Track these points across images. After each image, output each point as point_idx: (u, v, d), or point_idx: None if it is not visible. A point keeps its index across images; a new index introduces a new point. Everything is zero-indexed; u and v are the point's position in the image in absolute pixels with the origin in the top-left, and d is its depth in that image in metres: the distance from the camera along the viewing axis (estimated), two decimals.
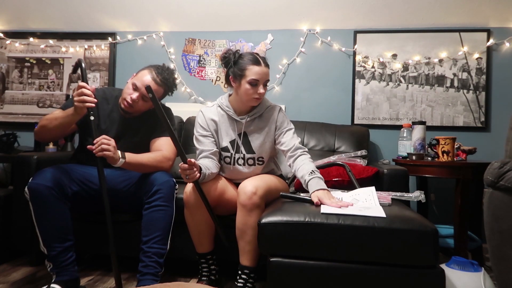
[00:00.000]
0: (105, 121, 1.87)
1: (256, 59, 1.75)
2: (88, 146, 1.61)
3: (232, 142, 1.84)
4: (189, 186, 1.69)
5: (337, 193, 1.71)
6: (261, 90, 1.74)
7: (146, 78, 1.78)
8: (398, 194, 1.69)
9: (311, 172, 1.68)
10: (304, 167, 1.72)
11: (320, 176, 1.68)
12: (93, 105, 1.63)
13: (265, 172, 1.92)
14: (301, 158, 1.78)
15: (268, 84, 1.81)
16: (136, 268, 1.65)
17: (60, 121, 1.69)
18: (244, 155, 1.84)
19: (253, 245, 1.64)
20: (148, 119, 1.89)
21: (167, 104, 3.04)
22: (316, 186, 1.62)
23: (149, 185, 1.69)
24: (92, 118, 1.65)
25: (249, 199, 1.62)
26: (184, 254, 1.92)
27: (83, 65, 1.71)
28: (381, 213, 1.41)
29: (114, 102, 1.89)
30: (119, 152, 1.64)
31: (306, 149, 1.83)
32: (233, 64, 1.77)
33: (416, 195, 1.65)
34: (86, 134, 1.87)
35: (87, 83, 1.66)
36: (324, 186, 1.63)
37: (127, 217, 1.91)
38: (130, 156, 1.68)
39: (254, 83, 1.73)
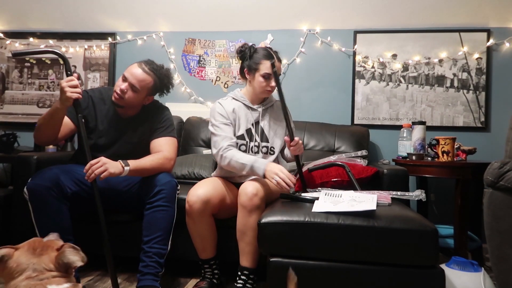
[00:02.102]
0: (103, 121, 1.86)
1: (269, 54, 1.86)
2: (86, 177, 1.57)
3: (248, 131, 1.91)
4: (193, 196, 1.69)
5: (338, 192, 1.71)
6: (273, 83, 1.84)
7: (135, 70, 1.78)
8: (399, 193, 1.69)
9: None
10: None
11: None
12: (81, 96, 1.62)
13: None
14: None
15: (280, 79, 1.89)
16: (137, 268, 1.65)
17: (49, 118, 1.69)
18: (258, 143, 1.91)
19: (253, 246, 1.64)
20: (146, 119, 1.89)
21: (167, 104, 3.05)
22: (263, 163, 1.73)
23: (151, 185, 1.69)
24: (79, 115, 1.64)
25: (249, 200, 1.62)
26: (184, 255, 1.92)
27: (66, 59, 1.69)
28: (372, 206, 1.40)
29: (111, 102, 1.88)
30: (120, 162, 1.63)
31: None
32: (248, 58, 1.88)
33: (417, 194, 1.65)
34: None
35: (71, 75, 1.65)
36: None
37: (127, 217, 1.91)
38: (134, 163, 1.66)
39: (266, 77, 1.84)
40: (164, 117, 1.91)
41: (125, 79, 1.78)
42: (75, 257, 1.12)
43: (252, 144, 1.90)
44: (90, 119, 1.84)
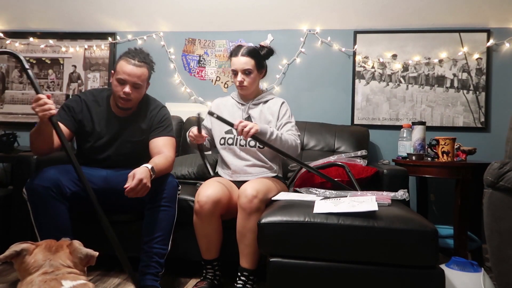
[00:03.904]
0: (99, 123, 1.85)
1: (234, 51, 1.94)
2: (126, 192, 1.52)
3: None
4: (203, 196, 1.69)
5: (338, 193, 1.71)
6: (239, 78, 1.91)
7: (129, 68, 1.75)
8: (385, 193, 1.70)
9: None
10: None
11: (270, 128, 1.79)
12: (54, 112, 1.55)
13: (267, 170, 1.96)
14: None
15: (249, 73, 1.91)
16: (137, 268, 1.65)
17: (37, 134, 1.65)
18: None
19: (252, 248, 1.64)
20: (144, 117, 1.89)
21: (167, 104, 3.04)
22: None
23: (152, 185, 1.68)
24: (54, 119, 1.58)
25: (249, 202, 1.63)
26: (185, 255, 1.92)
27: (30, 73, 1.58)
28: (373, 206, 1.40)
29: (106, 102, 1.87)
30: (147, 168, 1.57)
31: (297, 138, 1.93)
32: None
33: (401, 194, 1.68)
34: (83, 139, 1.86)
35: (39, 92, 1.56)
36: (261, 126, 1.75)
37: (128, 217, 1.91)
38: (156, 168, 1.63)
39: (234, 73, 1.94)
40: (163, 116, 1.91)
41: (123, 82, 1.75)
42: (88, 249, 1.18)
43: (239, 137, 1.94)
44: (86, 123, 1.83)
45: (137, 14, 2.90)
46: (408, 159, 2.29)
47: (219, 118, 1.78)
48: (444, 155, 2.15)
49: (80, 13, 2.94)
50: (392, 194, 1.69)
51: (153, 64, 1.89)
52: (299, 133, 1.98)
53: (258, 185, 1.69)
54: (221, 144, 1.98)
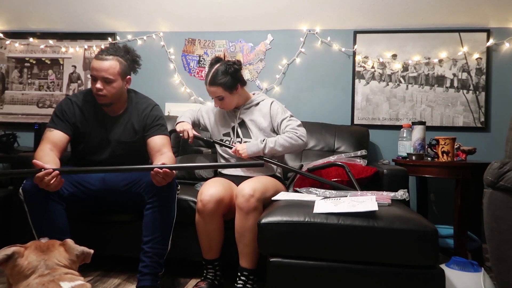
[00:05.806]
0: (93, 123, 1.84)
1: (206, 75, 1.95)
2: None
3: (233, 128, 2.03)
4: (206, 195, 1.70)
5: (338, 193, 1.71)
6: (215, 103, 2.00)
7: (97, 64, 1.73)
8: (385, 193, 1.70)
9: (262, 140, 1.90)
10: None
11: (262, 144, 1.89)
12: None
13: (264, 169, 1.97)
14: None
15: (222, 99, 1.93)
16: (136, 268, 1.65)
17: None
18: (241, 139, 1.98)
19: (251, 248, 1.65)
20: (137, 116, 1.88)
21: (167, 104, 3.04)
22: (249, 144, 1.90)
23: (151, 185, 1.68)
24: None
25: (246, 201, 1.63)
26: (184, 255, 1.92)
27: None
28: (373, 206, 1.40)
29: (96, 102, 1.86)
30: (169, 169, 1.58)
31: (295, 131, 1.92)
32: None
33: (401, 194, 1.68)
34: (77, 141, 1.86)
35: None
36: (249, 152, 1.88)
37: (128, 217, 1.91)
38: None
39: (211, 97, 1.99)
40: (157, 115, 1.91)
41: (94, 78, 1.75)
42: (83, 247, 1.16)
43: (235, 139, 1.99)
44: (80, 125, 1.83)
45: (137, 14, 2.90)
46: (408, 159, 2.29)
47: (222, 144, 2.00)
48: (444, 155, 2.15)
49: (80, 13, 2.94)
50: (392, 194, 1.69)
51: (137, 58, 1.87)
52: (299, 122, 1.96)
53: (255, 184, 1.69)
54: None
